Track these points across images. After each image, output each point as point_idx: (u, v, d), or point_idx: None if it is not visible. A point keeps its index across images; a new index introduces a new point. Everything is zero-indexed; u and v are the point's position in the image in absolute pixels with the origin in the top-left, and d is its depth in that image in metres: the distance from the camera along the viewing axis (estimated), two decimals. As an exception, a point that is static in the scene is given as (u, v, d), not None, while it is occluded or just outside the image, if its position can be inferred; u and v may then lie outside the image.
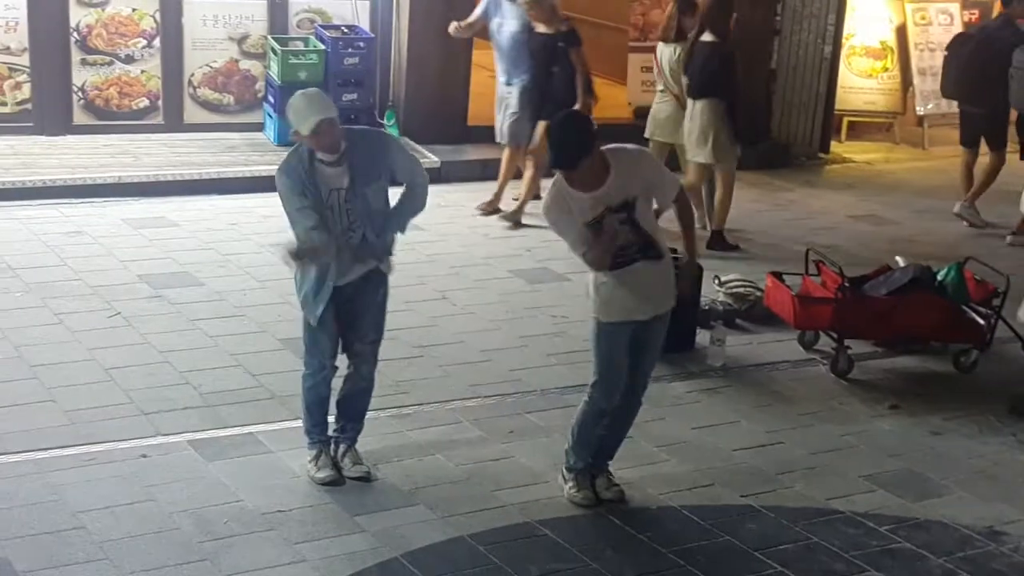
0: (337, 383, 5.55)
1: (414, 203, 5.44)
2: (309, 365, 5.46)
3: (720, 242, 9.04)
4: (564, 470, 5.46)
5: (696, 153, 8.93)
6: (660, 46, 9.39)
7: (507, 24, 9.30)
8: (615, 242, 5.02)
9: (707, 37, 8.71)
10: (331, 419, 5.59)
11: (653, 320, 5.22)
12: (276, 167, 5.31)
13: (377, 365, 5.56)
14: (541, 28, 9.06)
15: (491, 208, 9.53)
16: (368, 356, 5.48)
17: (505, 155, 9.55)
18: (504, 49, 9.35)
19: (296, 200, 5.15)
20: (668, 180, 5.26)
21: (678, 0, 9.23)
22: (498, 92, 9.52)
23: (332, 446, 5.54)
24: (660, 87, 9.45)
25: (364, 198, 5.20)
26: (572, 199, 5.01)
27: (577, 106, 8.74)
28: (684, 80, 8.98)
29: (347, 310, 5.37)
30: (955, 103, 10.54)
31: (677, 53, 9.09)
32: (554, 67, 9.07)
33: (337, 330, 5.41)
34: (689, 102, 8.90)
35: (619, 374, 5.24)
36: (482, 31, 9.62)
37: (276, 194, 5.27)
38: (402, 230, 5.45)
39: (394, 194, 5.41)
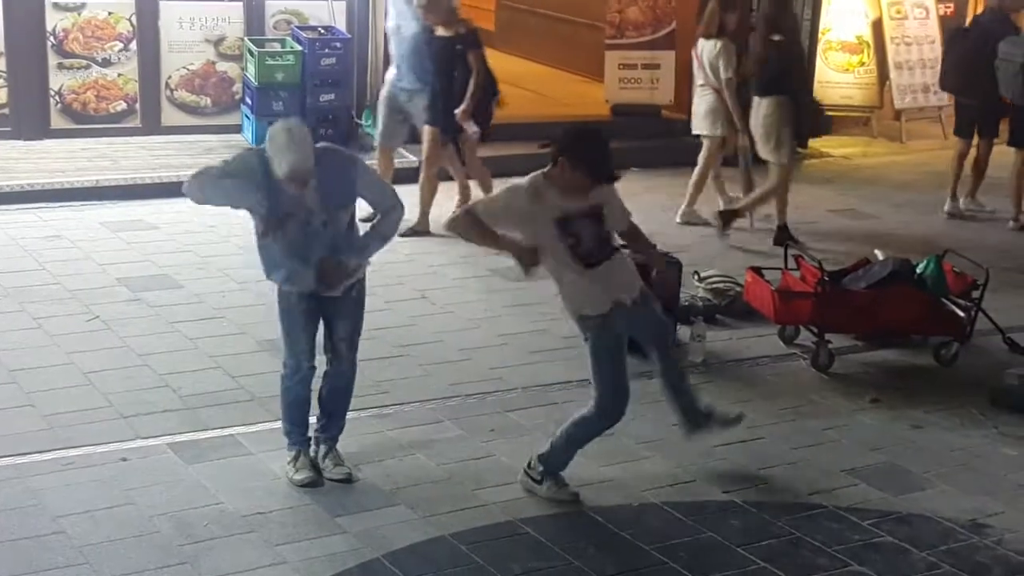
0: (317, 384, 5.54)
1: (386, 231, 5.45)
2: (287, 365, 5.46)
3: (786, 234, 9.04)
4: (532, 474, 5.42)
5: (760, 150, 9.20)
6: (700, 41, 9.46)
7: (406, 26, 8.95)
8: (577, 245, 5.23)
9: (774, 36, 8.94)
10: (312, 419, 5.57)
11: (632, 306, 5.33)
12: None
13: (357, 362, 5.54)
14: (440, 31, 8.67)
15: (421, 228, 8.90)
16: (347, 353, 5.47)
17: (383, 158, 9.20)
18: (403, 52, 8.98)
19: (238, 187, 5.11)
20: (622, 207, 5.49)
21: None
22: (386, 91, 9.16)
23: (312, 446, 5.52)
24: (700, 82, 9.51)
25: (333, 219, 5.21)
26: (548, 198, 5.18)
27: (461, 108, 8.61)
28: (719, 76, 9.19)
29: (324, 308, 5.37)
30: (931, 97, 10.68)
31: (718, 48, 9.20)
32: (455, 71, 8.70)
33: (314, 329, 5.41)
34: (755, 100, 9.10)
35: (625, 384, 5.32)
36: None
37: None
38: (366, 257, 5.43)
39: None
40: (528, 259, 5.27)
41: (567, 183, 5.19)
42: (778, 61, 8.96)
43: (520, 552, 4.99)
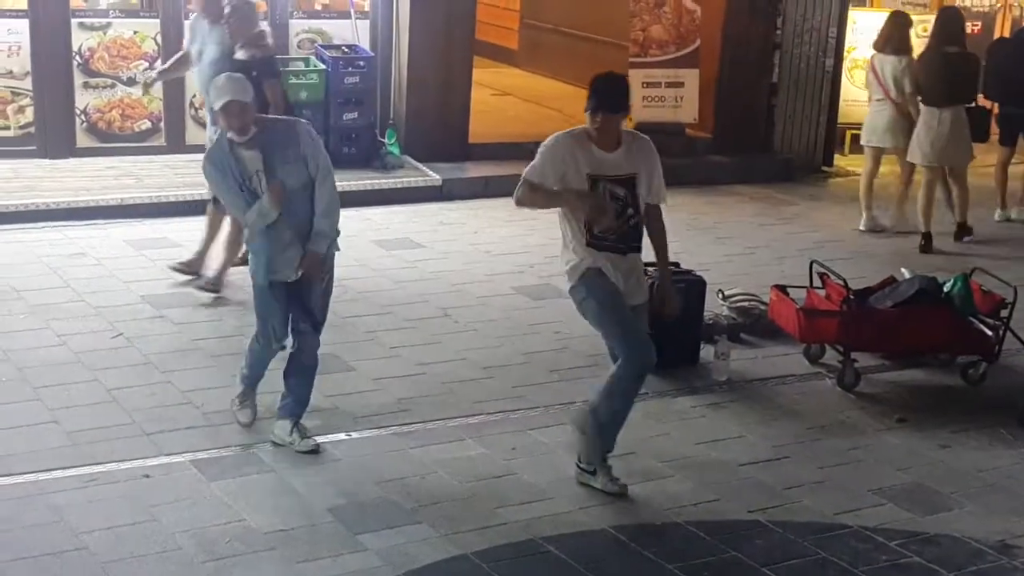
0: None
1: (325, 207, 5.73)
2: (260, 338, 5.88)
3: (966, 231, 9.89)
4: (585, 467, 5.56)
5: (945, 159, 9.70)
6: (879, 56, 9.91)
7: (207, 50, 7.93)
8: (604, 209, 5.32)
9: (949, 48, 9.47)
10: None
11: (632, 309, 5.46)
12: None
13: (320, 345, 5.88)
14: (239, 53, 7.65)
15: (190, 269, 7.99)
16: (312, 334, 5.82)
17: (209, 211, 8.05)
18: (203, 80, 7.84)
19: (225, 183, 5.65)
20: (662, 183, 5.57)
21: (898, 15, 10.18)
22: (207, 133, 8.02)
23: (281, 422, 5.87)
24: (878, 96, 9.95)
25: (281, 180, 5.58)
26: (580, 151, 5.35)
27: None
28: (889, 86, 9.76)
29: (295, 292, 5.75)
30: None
31: (904, 64, 9.70)
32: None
33: (286, 314, 5.80)
34: (932, 111, 9.53)
35: (641, 329, 5.42)
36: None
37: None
38: (328, 232, 5.78)
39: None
40: (593, 204, 5.31)
41: (597, 130, 5.35)
42: (954, 72, 9.43)
43: (542, 571, 4.96)
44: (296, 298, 5.78)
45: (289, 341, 5.90)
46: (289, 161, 5.62)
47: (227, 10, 7.80)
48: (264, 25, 8.02)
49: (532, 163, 5.43)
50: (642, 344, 5.39)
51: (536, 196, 5.41)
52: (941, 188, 10.02)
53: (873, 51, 10.14)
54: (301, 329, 5.82)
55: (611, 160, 5.38)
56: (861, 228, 10.19)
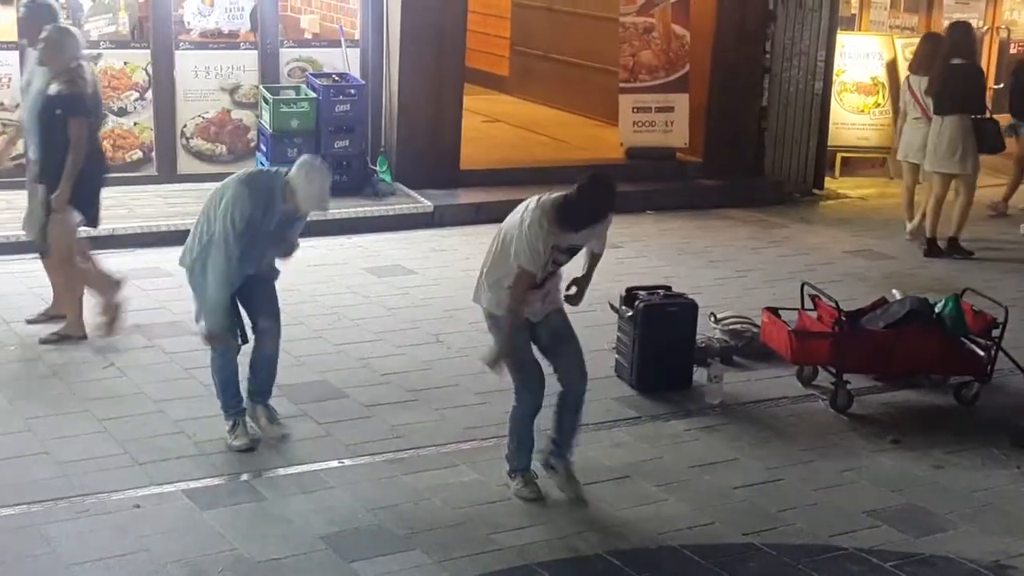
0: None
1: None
2: (214, 348, 6.02)
3: (957, 248, 10.18)
4: (508, 473, 5.75)
5: (942, 164, 10.07)
6: (915, 77, 10.40)
7: (35, 80, 7.36)
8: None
9: (955, 60, 9.88)
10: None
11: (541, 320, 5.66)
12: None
13: (280, 338, 6.16)
14: (52, 87, 7.08)
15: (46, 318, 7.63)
16: (273, 329, 6.11)
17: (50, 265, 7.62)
18: (26, 113, 7.41)
19: (247, 215, 5.77)
20: (606, 240, 5.81)
21: (931, 36, 10.75)
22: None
23: (249, 411, 6.15)
24: (915, 115, 10.38)
25: (284, 236, 6.04)
26: (553, 237, 5.44)
27: (55, 194, 7.12)
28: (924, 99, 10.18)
29: (243, 294, 5.99)
30: None
31: None
32: (58, 141, 7.08)
33: (237, 313, 6.00)
34: (936, 119, 10.00)
35: (536, 366, 5.65)
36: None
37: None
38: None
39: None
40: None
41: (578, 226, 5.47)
42: (956, 82, 9.83)
43: (537, 597, 4.94)
44: (249, 303, 6.04)
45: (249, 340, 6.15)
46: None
47: (41, 37, 7.21)
48: (83, 59, 7.37)
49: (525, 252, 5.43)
50: (536, 384, 5.66)
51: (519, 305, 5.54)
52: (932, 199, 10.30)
53: (908, 72, 10.57)
54: (261, 325, 6.09)
55: (574, 237, 5.51)
56: (907, 238, 10.63)
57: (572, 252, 5.62)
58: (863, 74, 13.05)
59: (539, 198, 5.46)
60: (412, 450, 6.17)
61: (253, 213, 5.77)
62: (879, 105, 13.07)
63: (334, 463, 5.98)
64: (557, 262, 5.56)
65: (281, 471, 5.87)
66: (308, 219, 6.18)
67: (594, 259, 5.83)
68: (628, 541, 5.38)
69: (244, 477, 5.80)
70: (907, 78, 10.60)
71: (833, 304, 6.98)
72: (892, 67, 13.04)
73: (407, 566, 5.08)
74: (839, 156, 13.05)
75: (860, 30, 13.86)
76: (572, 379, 5.70)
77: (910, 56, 13.04)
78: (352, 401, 6.71)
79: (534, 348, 5.69)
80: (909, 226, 10.70)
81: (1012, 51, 14.85)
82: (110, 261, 8.89)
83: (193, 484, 5.69)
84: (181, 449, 6.04)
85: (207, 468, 5.86)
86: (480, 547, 5.26)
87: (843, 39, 12.79)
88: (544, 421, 5.80)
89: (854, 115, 13.04)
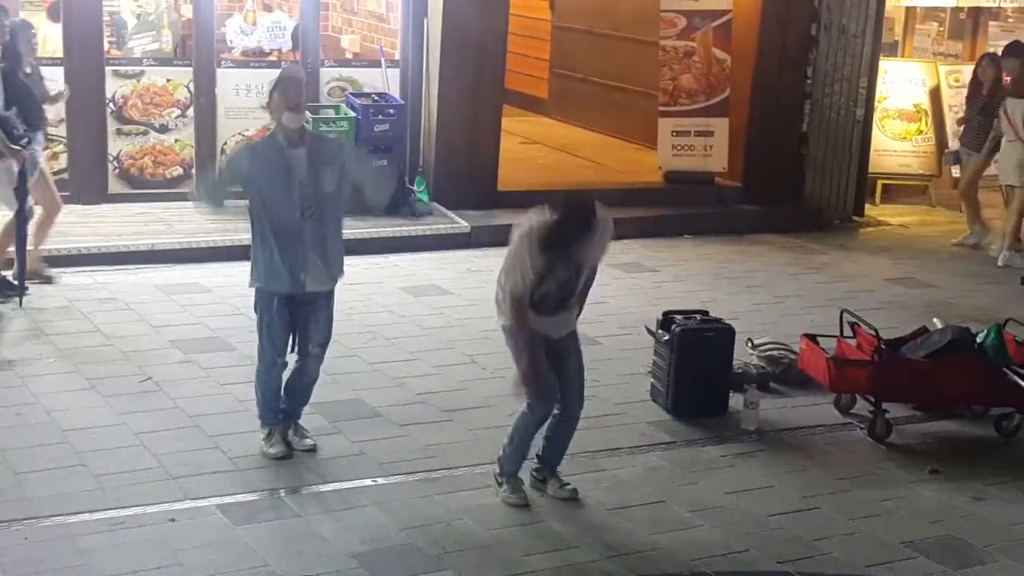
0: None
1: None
2: (262, 360, 6.11)
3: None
4: (496, 476, 5.83)
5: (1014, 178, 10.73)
6: (1011, 100, 10.66)
7: None
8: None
9: None
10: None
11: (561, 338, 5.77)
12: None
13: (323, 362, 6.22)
14: None
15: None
16: (318, 357, 6.16)
17: None
18: None
19: (243, 166, 5.93)
20: (603, 250, 5.83)
21: None
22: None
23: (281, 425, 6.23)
24: (1010, 137, 10.70)
25: (318, 181, 5.89)
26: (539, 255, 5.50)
27: None
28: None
29: (301, 315, 6.05)
30: (991, 166, 11.02)
31: None
32: None
33: (288, 333, 6.07)
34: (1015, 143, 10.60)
35: (552, 379, 5.71)
36: None
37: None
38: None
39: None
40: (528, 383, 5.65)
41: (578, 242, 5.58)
42: None
43: (569, 621, 4.90)
44: (303, 320, 6.05)
45: (289, 358, 6.17)
46: (330, 163, 5.96)
47: None
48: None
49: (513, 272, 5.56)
50: (546, 395, 5.75)
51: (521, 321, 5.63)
52: None
53: (1007, 96, 10.74)
54: (311, 351, 6.11)
55: (565, 256, 5.59)
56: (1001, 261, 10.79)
57: (575, 272, 5.63)
58: (906, 101, 12.98)
59: (530, 223, 5.55)
60: (445, 470, 6.15)
61: (239, 163, 5.99)
62: (921, 132, 12.99)
63: (367, 481, 5.97)
64: (563, 285, 5.60)
65: (315, 488, 5.87)
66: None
67: (591, 275, 5.83)
68: (661, 566, 5.34)
69: (278, 494, 5.80)
70: (1004, 102, 10.71)
71: (873, 332, 6.91)
72: (935, 94, 12.97)
73: (439, 586, 5.06)
74: (880, 183, 12.97)
75: (903, 56, 13.79)
76: (572, 400, 5.84)
77: (955, 83, 13.05)
78: (386, 420, 6.71)
79: None
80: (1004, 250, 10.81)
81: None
82: (149, 276, 9.00)
83: (227, 499, 5.70)
84: (216, 464, 6.05)
85: (241, 484, 5.87)
86: (512, 569, 5.23)
87: (886, 65, 12.73)
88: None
89: (896, 142, 12.96)
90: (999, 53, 11.38)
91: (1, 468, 5.87)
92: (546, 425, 5.84)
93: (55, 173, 10.22)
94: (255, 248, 6.02)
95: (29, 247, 8.41)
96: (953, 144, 12.20)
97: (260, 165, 5.91)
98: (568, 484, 5.88)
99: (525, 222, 5.58)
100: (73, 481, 5.79)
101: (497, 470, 5.87)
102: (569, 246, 5.53)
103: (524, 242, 5.51)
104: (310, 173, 5.89)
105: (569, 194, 5.65)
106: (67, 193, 10.19)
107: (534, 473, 5.91)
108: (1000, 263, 10.74)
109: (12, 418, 6.44)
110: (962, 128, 11.56)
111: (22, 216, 8.29)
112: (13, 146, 8.09)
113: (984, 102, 11.14)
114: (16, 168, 8.15)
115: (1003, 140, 10.77)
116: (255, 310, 6.12)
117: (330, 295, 6.14)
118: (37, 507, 5.51)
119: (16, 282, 8.27)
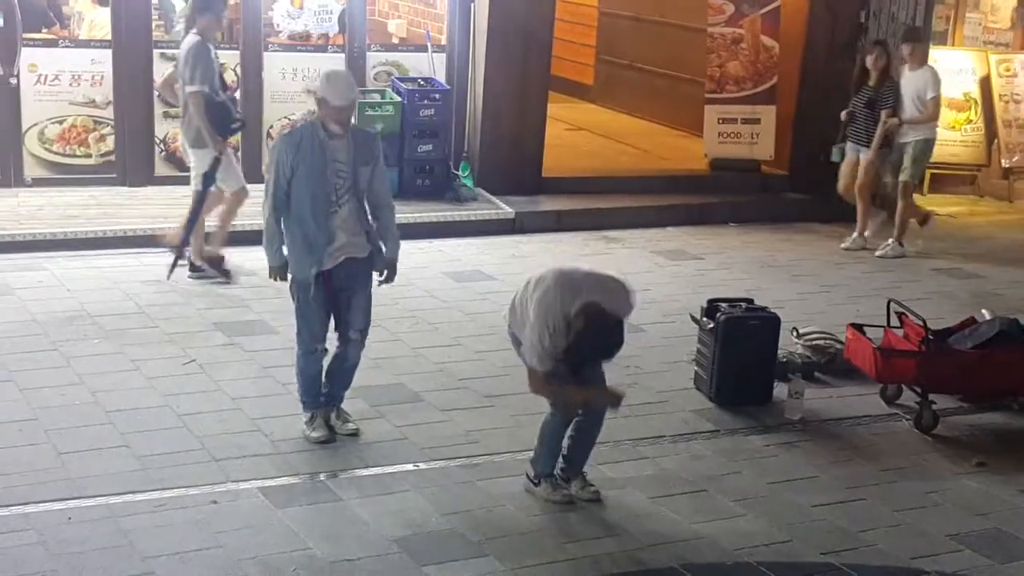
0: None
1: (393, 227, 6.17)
2: (300, 345, 6.10)
3: None
4: (530, 479, 5.75)
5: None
6: (908, 75, 10.16)
7: None
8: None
9: None
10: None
11: None
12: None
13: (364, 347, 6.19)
14: None
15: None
16: (359, 343, 6.14)
17: None
18: None
19: (288, 159, 5.86)
20: None
21: None
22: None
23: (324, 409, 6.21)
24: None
25: (355, 174, 5.90)
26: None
27: None
28: None
29: (341, 300, 6.03)
30: None
31: None
32: None
33: (327, 318, 6.06)
34: None
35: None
36: None
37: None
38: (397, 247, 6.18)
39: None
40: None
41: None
42: None
43: (609, 609, 4.88)
44: (342, 305, 6.04)
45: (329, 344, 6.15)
46: (367, 162, 5.96)
47: None
48: None
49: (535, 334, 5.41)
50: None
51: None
52: None
53: None
54: (351, 337, 6.09)
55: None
56: None
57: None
58: (955, 90, 12.79)
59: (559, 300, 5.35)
60: (487, 456, 6.14)
61: (284, 158, 5.87)
62: (971, 121, 12.82)
63: (409, 466, 5.98)
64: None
65: (356, 472, 5.87)
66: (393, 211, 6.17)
67: None
68: (703, 555, 5.30)
69: (320, 477, 5.82)
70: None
71: (920, 322, 6.83)
72: (986, 83, 12.79)
73: (480, 572, 5.05)
74: (928, 173, 12.79)
75: (953, 45, 13.60)
76: (596, 406, 5.71)
77: (1005, 72, 12.85)
78: (428, 405, 6.70)
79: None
80: None
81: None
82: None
83: (269, 482, 5.71)
84: (258, 447, 6.07)
85: (283, 467, 5.89)
86: (553, 556, 5.21)
87: (935, 54, 12.54)
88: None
89: (945, 131, 12.75)
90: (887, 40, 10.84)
91: (45, 448, 5.92)
92: (571, 426, 5.76)
93: (102, 156, 10.32)
94: (286, 237, 6.01)
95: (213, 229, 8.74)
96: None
97: (301, 155, 5.86)
98: (592, 485, 5.75)
99: (551, 279, 5.42)
100: (117, 462, 5.83)
101: (531, 473, 5.76)
102: (588, 358, 5.48)
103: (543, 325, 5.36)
104: (348, 167, 5.90)
105: (596, 308, 5.29)
106: (114, 175, 10.30)
107: (559, 472, 5.78)
108: (878, 254, 10.34)
109: (56, 398, 6.49)
110: (846, 122, 10.59)
111: (201, 196, 8.50)
112: (217, 136, 8.34)
113: (871, 95, 10.33)
114: (213, 155, 8.37)
115: (899, 131, 10.19)
116: (292, 298, 6.12)
117: (367, 279, 6.10)
118: (81, 487, 5.56)
119: (201, 265, 8.60)
